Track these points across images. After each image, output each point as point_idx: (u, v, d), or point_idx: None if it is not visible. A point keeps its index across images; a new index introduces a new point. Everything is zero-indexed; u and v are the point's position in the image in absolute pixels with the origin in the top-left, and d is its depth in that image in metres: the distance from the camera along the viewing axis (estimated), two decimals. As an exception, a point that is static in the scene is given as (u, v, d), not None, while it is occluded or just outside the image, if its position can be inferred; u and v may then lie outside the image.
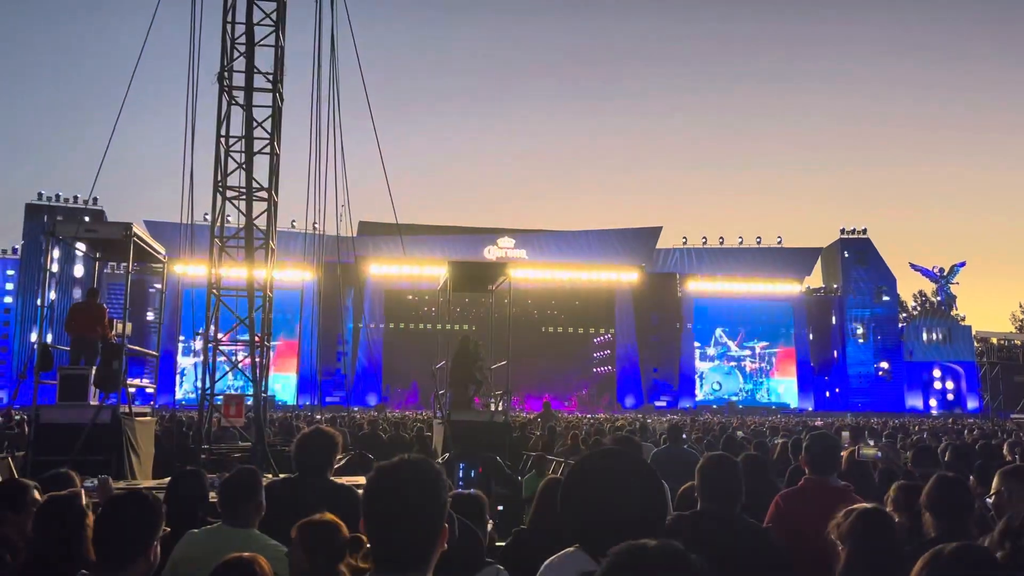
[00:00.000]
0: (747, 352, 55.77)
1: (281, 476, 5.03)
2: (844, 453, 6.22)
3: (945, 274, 59.37)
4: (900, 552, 2.61)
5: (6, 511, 3.34)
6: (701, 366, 55.27)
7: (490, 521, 4.00)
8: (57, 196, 51.59)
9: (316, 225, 12.22)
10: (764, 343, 55.91)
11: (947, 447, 7.55)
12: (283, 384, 48.06)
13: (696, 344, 55.23)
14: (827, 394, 56.08)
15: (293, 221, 34.43)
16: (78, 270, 47.48)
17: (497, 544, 4.39)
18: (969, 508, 3.38)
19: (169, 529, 3.13)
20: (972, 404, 54.13)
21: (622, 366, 53.04)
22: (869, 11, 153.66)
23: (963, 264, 60.13)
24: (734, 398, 53.45)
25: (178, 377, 44.16)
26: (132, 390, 10.35)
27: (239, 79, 10.83)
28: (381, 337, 50.95)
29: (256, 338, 10.54)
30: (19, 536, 3.15)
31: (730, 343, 55.76)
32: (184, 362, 45.04)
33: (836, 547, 2.70)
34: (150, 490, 3.31)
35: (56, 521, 2.88)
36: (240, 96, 10.82)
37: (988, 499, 3.63)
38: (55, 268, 41.26)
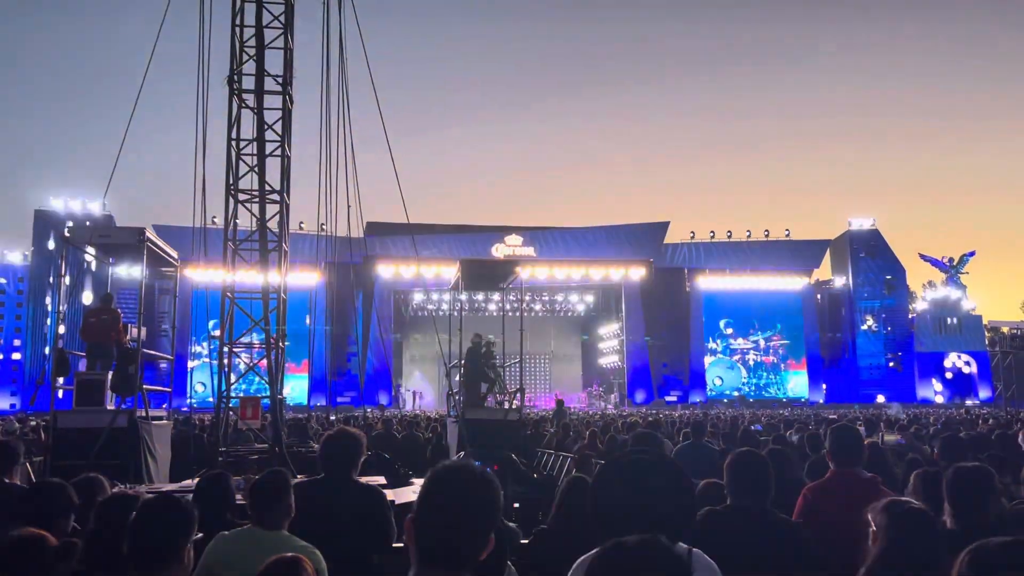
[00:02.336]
0: (750, 346, 55.59)
1: (306, 478, 5.04)
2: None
3: (955, 264, 59.08)
4: (941, 553, 2.58)
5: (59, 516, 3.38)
6: (708, 361, 55.17)
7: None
8: (66, 203, 51.75)
9: (324, 226, 12.23)
10: (774, 336, 55.74)
11: (968, 437, 7.50)
12: (294, 385, 48.24)
13: (709, 341, 55.14)
14: (838, 386, 55.87)
15: (301, 223, 34.52)
16: (88, 275, 47.73)
17: (520, 543, 4.39)
18: (989, 500, 3.34)
19: (201, 534, 3.14)
20: (984, 394, 53.88)
21: (632, 362, 52.99)
22: (879, 1, 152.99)
23: (973, 254, 59.87)
24: (736, 393, 53.29)
25: (190, 380, 44.35)
26: (148, 394, 10.40)
27: (249, 82, 10.84)
28: (391, 337, 51.05)
29: (271, 339, 10.57)
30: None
31: (733, 340, 55.57)
32: (198, 367, 45.18)
33: (869, 537, 2.67)
34: (180, 494, 3.31)
35: (117, 521, 2.90)
36: (250, 99, 10.83)
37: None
38: (67, 275, 41.47)
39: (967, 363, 55.73)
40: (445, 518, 1.78)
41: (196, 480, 4.81)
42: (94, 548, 3.04)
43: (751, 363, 55.64)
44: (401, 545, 1.92)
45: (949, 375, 55.83)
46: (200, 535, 2.97)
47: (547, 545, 3.84)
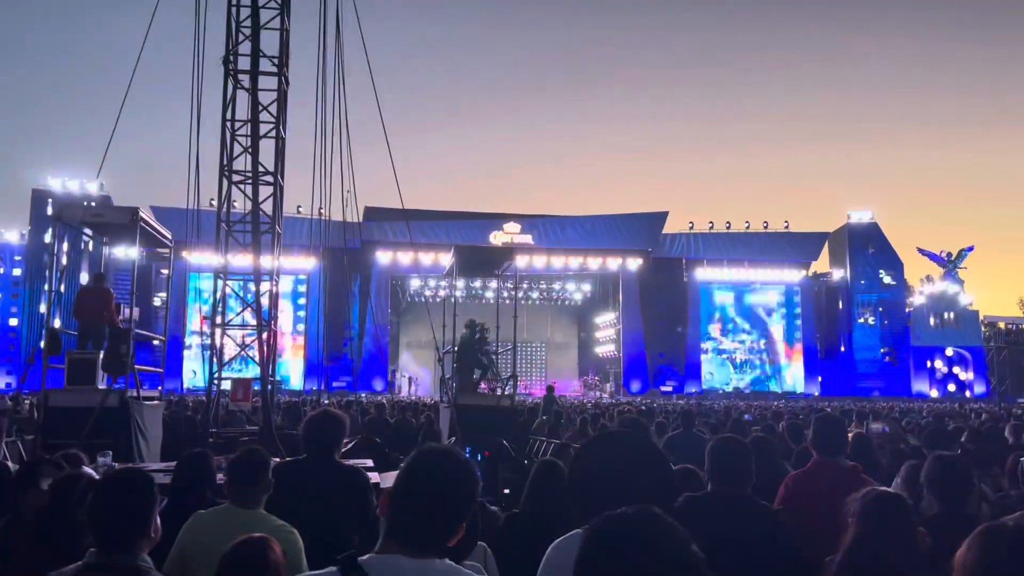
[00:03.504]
0: (746, 337, 55.64)
1: (289, 459, 5.04)
2: (850, 434, 6.22)
3: (953, 259, 59.11)
4: (912, 537, 2.58)
5: (23, 490, 3.36)
6: (704, 352, 55.24)
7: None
8: (63, 183, 51.63)
9: (322, 211, 12.20)
10: (770, 328, 55.82)
11: (955, 429, 7.53)
12: (289, 369, 48.28)
13: (705, 332, 55.21)
14: (834, 379, 56.00)
15: (299, 207, 34.34)
16: (85, 255, 47.67)
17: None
18: (967, 487, 3.36)
19: (167, 500, 3.12)
20: (979, 388, 54.03)
21: (628, 351, 53.03)
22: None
23: (971, 249, 59.85)
24: (727, 386, 53.33)
25: (185, 362, 44.37)
26: (139, 374, 10.38)
27: (244, 63, 10.79)
28: (387, 322, 51.04)
29: (263, 322, 10.56)
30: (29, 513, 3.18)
31: (730, 332, 55.62)
32: (191, 348, 45.18)
33: (847, 525, 2.68)
34: (141, 468, 3.30)
35: (66, 500, 2.88)
36: (245, 80, 10.78)
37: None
38: (62, 254, 41.39)
39: (962, 358, 55.86)
40: (421, 499, 1.80)
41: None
42: (49, 528, 3.01)
43: (747, 355, 55.73)
44: (383, 527, 1.93)
45: (944, 369, 55.96)
46: (166, 501, 2.95)
47: (519, 529, 3.83)
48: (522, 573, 2.57)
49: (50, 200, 48.77)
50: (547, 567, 2.54)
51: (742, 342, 55.81)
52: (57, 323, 12.46)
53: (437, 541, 1.79)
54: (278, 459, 4.60)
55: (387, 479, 6.91)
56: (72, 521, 2.68)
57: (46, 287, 48.29)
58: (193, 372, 43.08)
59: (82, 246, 41.86)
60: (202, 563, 2.74)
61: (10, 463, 4.87)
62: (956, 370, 55.87)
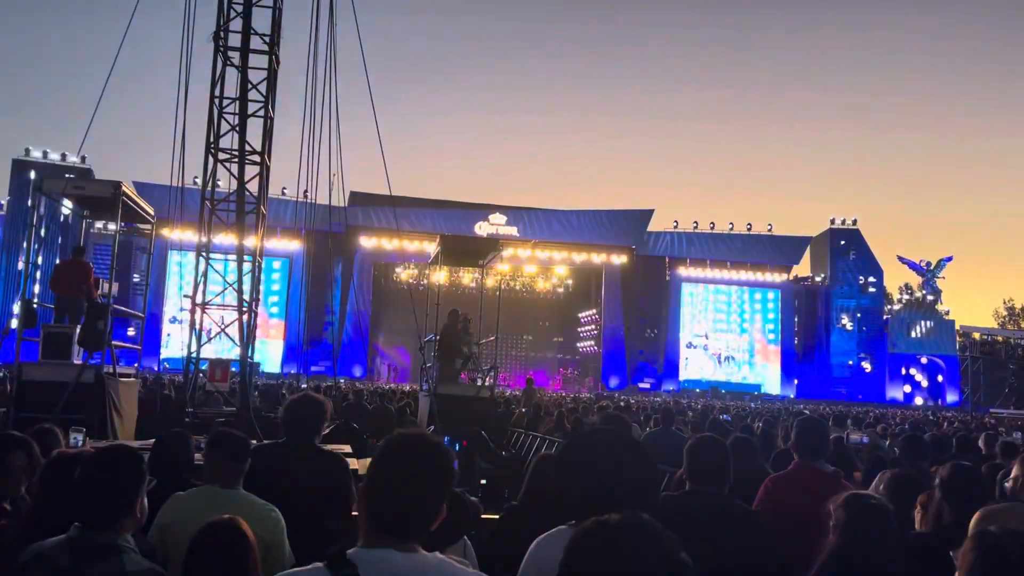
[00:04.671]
0: (725, 338, 56.04)
1: (267, 441, 5.00)
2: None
3: (932, 268, 59.74)
4: (895, 547, 2.58)
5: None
6: (683, 349, 55.52)
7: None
8: (45, 153, 50.93)
9: (307, 193, 12.12)
10: (750, 329, 56.22)
11: (931, 437, 7.60)
12: (267, 352, 47.97)
13: (685, 330, 55.49)
14: (809, 383, 56.52)
15: (284, 188, 34.17)
16: (64, 228, 47.09)
17: (483, 517, 4.39)
18: (982, 496, 3.36)
19: (155, 481, 3.07)
20: (952, 397, 54.71)
21: (608, 347, 53.19)
22: (866, 3, 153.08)
23: (950, 259, 60.47)
24: (705, 386, 53.64)
25: (164, 339, 43.98)
26: (116, 351, 10.26)
27: (235, 40, 10.65)
28: (369, 308, 50.85)
29: (244, 303, 10.47)
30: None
31: (709, 332, 55.96)
32: (170, 326, 44.77)
33: (828, 531, 2.68)
34: (130, 446, 3.24)
35: (63, 479, 2.82)
36: (236, 57, 10.65)
37: (1006, 484, 3.61)
38: (42, 226, 40.82)
39: (937, 366, 56.53)
40: (395, 485, 1.76)
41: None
42: (41, 507, 2.97)
43: (725, 355, 56.09)
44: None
45: (919, 377, 56.62)
46: (154, 481, 2.91)
47: (516, 522, 3.83)
48: (518, 565, 2.57)
49: (31, 171, 48.09)
50: (530, 562, 2.53)
51: (721, 342, 56.16)
52: (37, 292, 12.30)
53: (418, 528, 1.76)
54: (255, 442, 4.55)
55: (364, 465, 6.88)
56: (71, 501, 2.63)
57: (23, 259, 47.74)
58: (180, 351, 42.67)
59: (61, 219, 41.32)
60: (182, 545, 2.70)
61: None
62: (929, 378, 56.54)
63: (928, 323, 57.36)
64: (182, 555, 2.67)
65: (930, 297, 58.62)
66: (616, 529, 1.30)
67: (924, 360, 56.60)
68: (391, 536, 1.72)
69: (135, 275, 44.00)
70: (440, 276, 14.25)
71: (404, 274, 51.32)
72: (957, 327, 58.01)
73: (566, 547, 1.32)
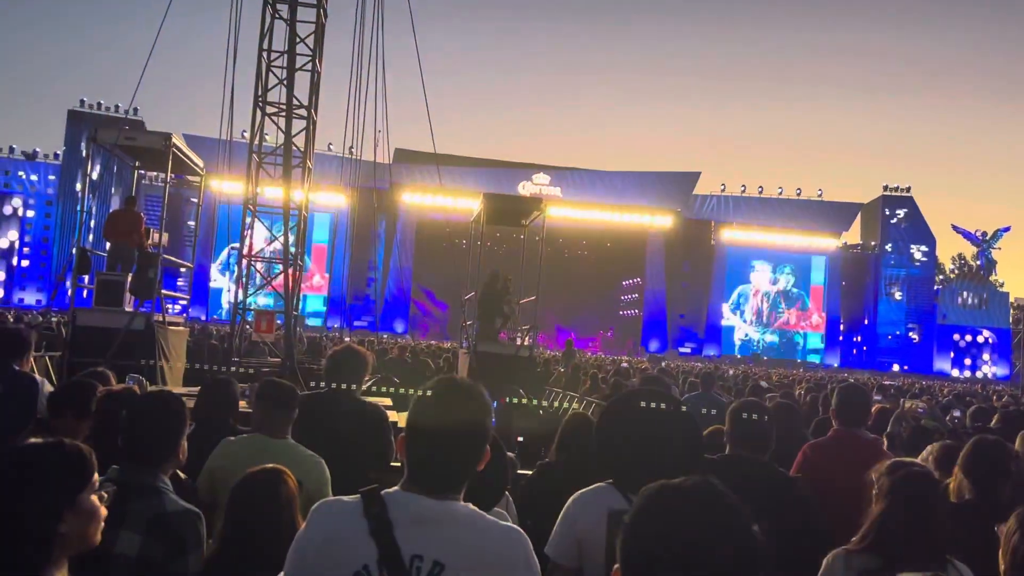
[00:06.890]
0: (770, 303, 55.25)
1: (309, 390, 5.08)
2: (875, 408, 6.16)
3: (988, 238, 58.01)
4: (942, 516, 2.53)
5: (67, 415, 3.39)
6: (725, 314, 54.94)
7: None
8: (99, 104, 51.88)
9: (352, 149, 12.15)
10: (795, 295, 55.37)
11: (976, 410, 7.42)
12: (312, 305, 48.72)
13: (729, 295, 54.86)
14: (854, 351, 55.66)
15: (330, 144, 34.39)
16: (118, 179, 48.04)
17: (520, 472, 4.43)
18: (1005, 472, 3.27)
19: (194, 424, 3.14)
20: (1002, 371, 53.47)
21: (649, 310, 52.91)
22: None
23: (1007, 229, 58.69)
24: (750, 350, 53.15)
25: (211, 290, 44.94)
26: (166, 299, 10.50)
27: (284, -8, 10.64)
28: (411, 265, 51.21)
29: (290, 256, 10.60)
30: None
31: (753, 297, 55.21)
32: (218, 278, 45.66)
33: (869, 498, 2.63)
34: (173, 391, 3.33)
35: (112, 416, 2.91)
36: (284, 10, 10.65)
37: None
38: (95, 175, 41.67)
39: (988, 339, 55.18)
40: (434, 436, 1.75)
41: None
42: (90, 442, 3.07)
43: (769, 321, 55.41)
44: (398, 464, 1.90)
45: (968, 349, 55.37)
46: (192, 429, 2.98)
47: (550, 478, 3.86)
48: (551, 521, 2.59)
49: (85, 123, 49.03)
50: (565, 518, 2.54)
51: (765, 308, 55.47)
52: (90, 241, 12.61)
53: (458, 479, 1.75)
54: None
55: (404, 419, 6.98)
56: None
57: (78, 207, 48.93)
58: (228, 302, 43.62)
59: (115, 168, 42.11)
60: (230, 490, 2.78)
61: (37, 376, 4.96)
62: (980, 351, 55.25)
63: (982, 295, 55.88)
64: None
65: (984, 268, 57.01)
66: (687, 493, 1.24)
67: (975, 332, 55.27)
68: (427, 485, 1.73)
69: (184, 227, 44.83)
70: (482, 234, 14.22)
71: (447, 231, 51.51)
72: (1011, 300, 56.45)
73: (634, 508, 1.25)
